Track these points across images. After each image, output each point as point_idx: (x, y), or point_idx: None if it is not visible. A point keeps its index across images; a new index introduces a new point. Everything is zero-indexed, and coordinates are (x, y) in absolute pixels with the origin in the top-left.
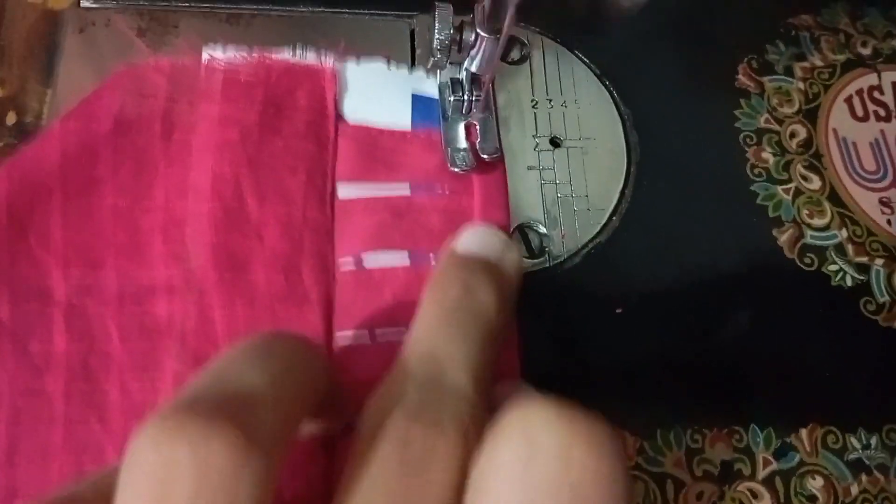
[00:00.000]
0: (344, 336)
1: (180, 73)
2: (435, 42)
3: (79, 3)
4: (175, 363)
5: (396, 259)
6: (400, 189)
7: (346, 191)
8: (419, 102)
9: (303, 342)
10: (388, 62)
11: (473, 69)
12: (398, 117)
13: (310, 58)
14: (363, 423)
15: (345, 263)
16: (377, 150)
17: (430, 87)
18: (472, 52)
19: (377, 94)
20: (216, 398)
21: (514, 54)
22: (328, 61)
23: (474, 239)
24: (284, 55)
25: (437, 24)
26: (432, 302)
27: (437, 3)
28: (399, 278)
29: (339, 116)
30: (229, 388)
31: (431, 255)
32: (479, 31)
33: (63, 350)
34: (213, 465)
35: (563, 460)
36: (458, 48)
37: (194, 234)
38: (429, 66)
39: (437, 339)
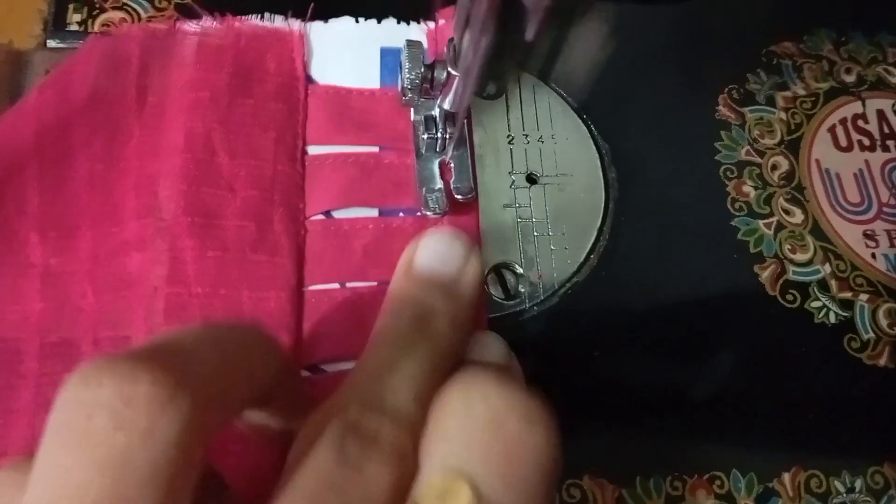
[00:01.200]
0: (315, 290)
1: (152, 40)
2: (405, 81)
3: (45, 44)
4: (146, 312)
5: (365, 213)
6: (369, 149)
7: (316, 148)
8: (388, 56)
9: (256, 325)
10: (356, 18)
11: (446, 106)
12: (366, 75)
13: (278, 21)
14: (303, 430)
15: (315, 216)
16: (346, 109)
17: (401, 37)
18: (445, 90)
19: (344, 53)
20: (149, 348)
21: (490, 89)
22: (296, 25)
23: (434, 250)
24: (253, 20)
25: (407, 63)
26: (385, 326)
27: (407, 41)
28: (368, 230)
29: (309, 78)
30: (165, 343)
31: (401, 212)
32: (450, 69)
33: (38, 310)
34: (135, 399)
35: (497, 430)
36: (429, 86)
37: (166, 186)
38: (401, 104)
39: (385, 362)
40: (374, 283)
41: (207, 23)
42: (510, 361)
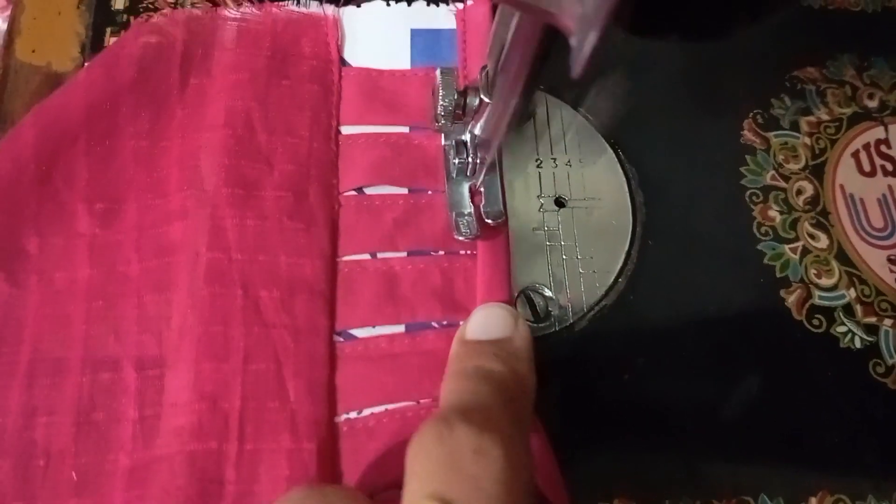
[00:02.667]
0: (347, 260)
1: (195, 24)
2: (438, 108)
3: (83, 65)
4: (188, 276)
5: (396, 191)
6: (400, 129)
7: (349, 128)
8: (419, 37)
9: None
10: (388, 1)
11: (478, 132)
12: (397, 57)
13: (313, 6)
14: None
15: (348, 192)
16: (378, 90)
17: (430, 18)
18: (476, 117)
19: (376, 36)
20: None
21: None
22: (330, 9)
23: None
24: (290, 6)
25: (440, 91)
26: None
27: (440, 69)
28: (398, 205)
29: (342, 61)
30: None
31: (430, 191)
32: (482, 97)
33: (86, 276)
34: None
35: (453, 464)
36: (461, 112)
37: (208, 160)
38: (434, 129)
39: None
40: (404, 254)
41: (247, 9)
42: (514, 331)
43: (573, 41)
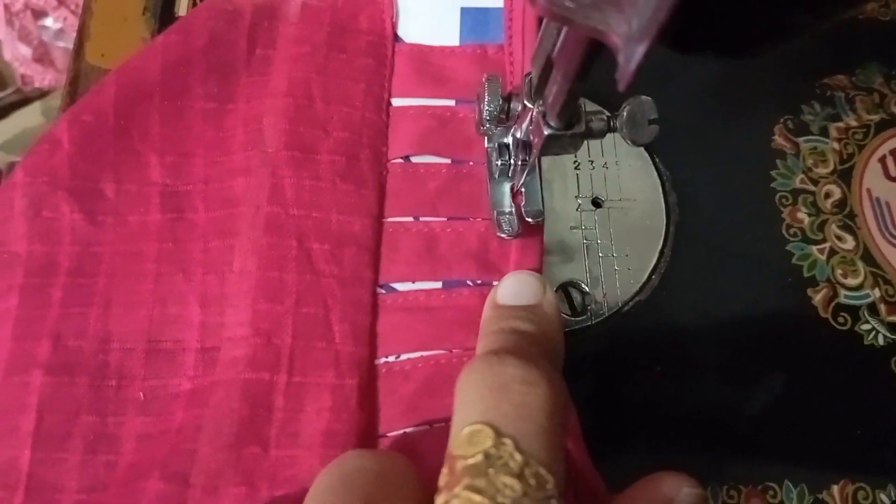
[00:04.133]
0: (392, 221)
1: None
2: (484, 113)
3: None
4: (248, 227)
5: (439, 160)
6: (446, 102)
7: (400, 100)
8: (468, 15)
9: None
10: None
11: (520, 136)
12: (447, 34)
13: None
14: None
15: (395, 159)
16: (428, 65)
17: None
18: (519, 121)
19: (428, 13)
20: None
21: None
22: None
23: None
24: None
25: (486, 97)
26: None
27: (486, 76)
28: (441, 173)
29: (396, 37)
30: None
31: (471, 161)
32: (525, 102)
33: (157, 220)
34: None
35: (503, 393)
36: (505, 117)
37: (270, 124)
38: (478, 133)
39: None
40: (444, 219)
41: None
42: (541, 298)
43: (620, 57)
